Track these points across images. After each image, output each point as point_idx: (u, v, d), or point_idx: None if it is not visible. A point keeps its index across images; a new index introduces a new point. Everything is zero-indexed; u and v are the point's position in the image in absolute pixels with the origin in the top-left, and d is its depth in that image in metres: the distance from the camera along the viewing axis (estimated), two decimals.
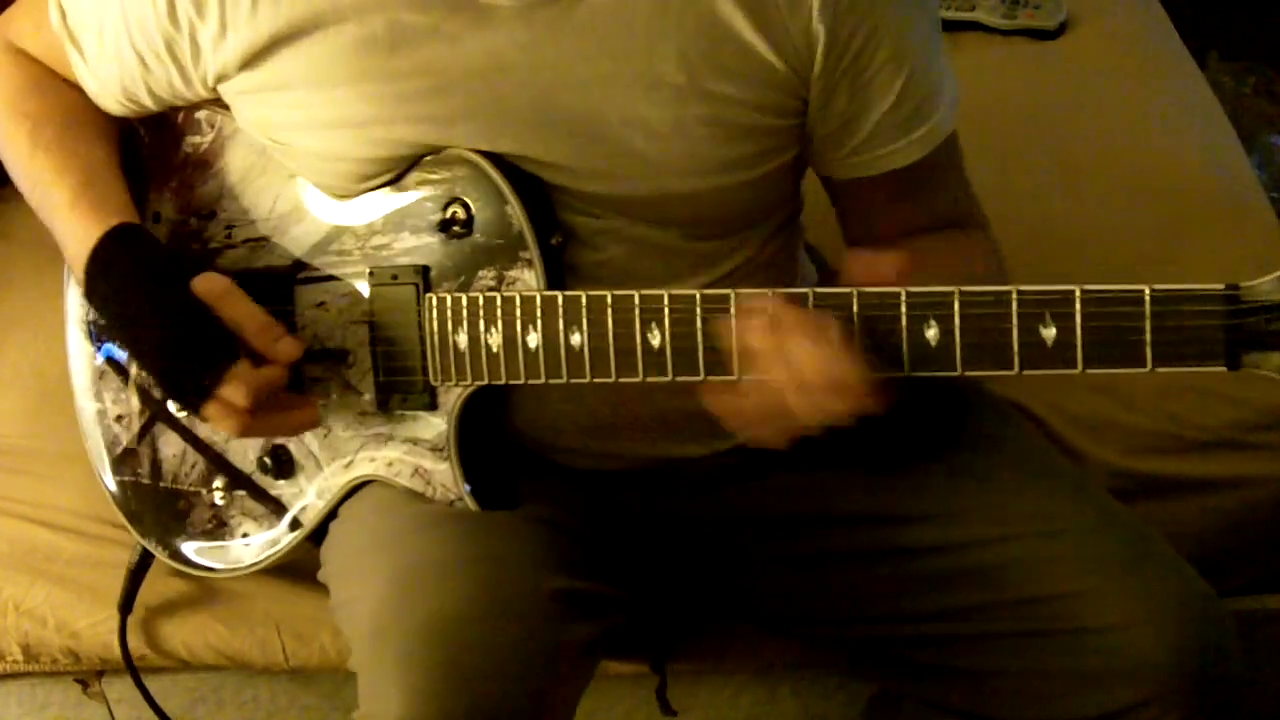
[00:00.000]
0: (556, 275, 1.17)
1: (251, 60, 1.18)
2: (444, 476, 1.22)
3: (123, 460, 1.40)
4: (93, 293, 1.24)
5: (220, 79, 1.22)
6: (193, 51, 1.21)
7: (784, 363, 1.03)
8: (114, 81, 1.28)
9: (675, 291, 1.08)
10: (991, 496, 1.27)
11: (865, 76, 1.15)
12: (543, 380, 1.15)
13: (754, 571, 1.35)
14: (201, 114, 1.31)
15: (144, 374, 1.34)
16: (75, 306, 1.42)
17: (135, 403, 1.37)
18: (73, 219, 1.26)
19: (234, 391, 1.18)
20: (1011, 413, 1.44)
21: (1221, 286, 0.93)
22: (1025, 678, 1.24)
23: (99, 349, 1.39)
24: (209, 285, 1.20)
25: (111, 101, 1.31)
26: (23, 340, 1.67)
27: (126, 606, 1.47)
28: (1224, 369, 0.93)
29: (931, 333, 1.01)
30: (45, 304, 1.52)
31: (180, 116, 1.32)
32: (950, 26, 2.02)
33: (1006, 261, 1.27)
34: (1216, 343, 0.93)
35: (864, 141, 1.19)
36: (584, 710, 1.25)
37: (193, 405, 1.20)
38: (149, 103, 1.29)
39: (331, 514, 1.30)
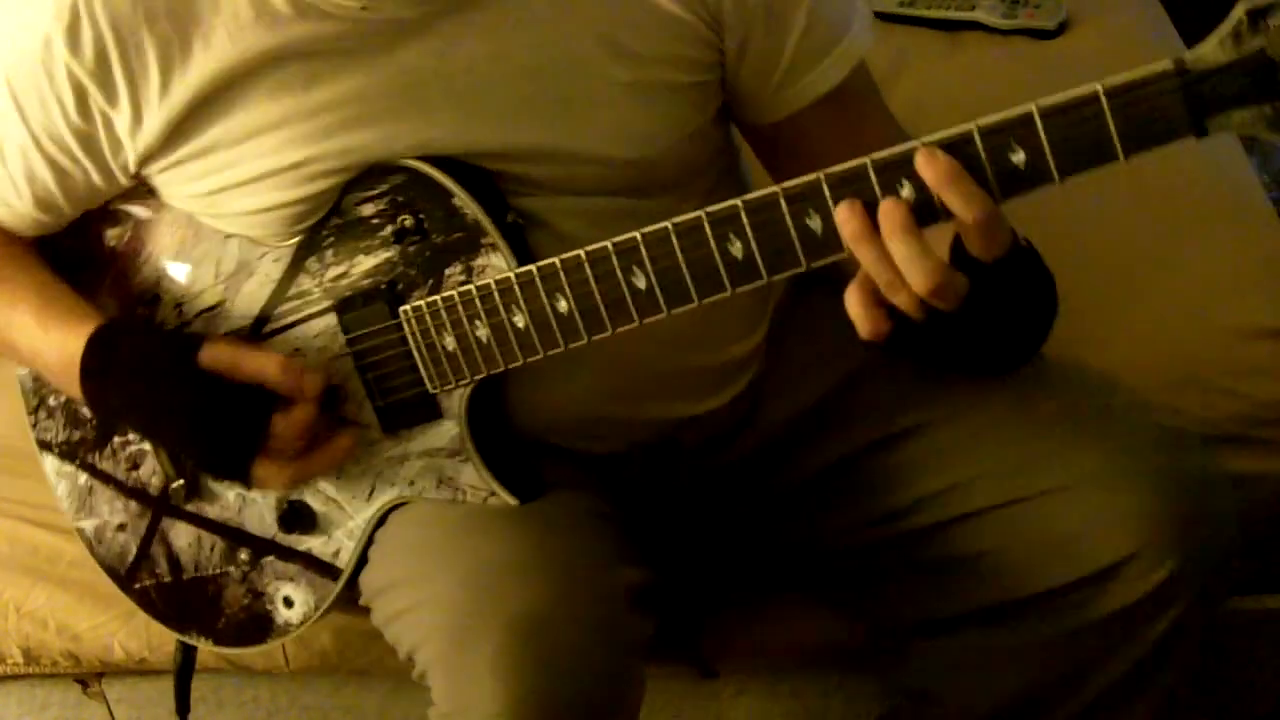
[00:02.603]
0: (523, 251, 1.17)
1: (173, 134, 1.17)
2: (470, 477, 1.22)
3: (138, 567, 1.38)
4: (98, 397, 1.22)
5: (144, 161, 1.20)
6: (110, 143, 1.19)
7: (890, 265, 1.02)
8: (27, 201, 1.25)
9: (646, 230, 1.09)
10: (964, 386, 1.28)
11: (776, 7, 1.17)
12: (540, 355, 1.15)
13: (769, 504, 1.37)
14: (115, 204, 1.29)
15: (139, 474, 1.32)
16: (42, 433, 1.39)
17: (134, 505, 1.36)
18: (44, 338, 1.24)
19: (279, 442, 1.18)
20: None
21: (1169, 63, 0.95)
22: (1011, 551, 1.24)
23: None
24: (215, 354, 1.19)
25: (28, 223, 1.28)
26: None
27: (182, 710, 1.45)
28: (1194, 138, 0.96)
29: (906, 193, 1.02)
30: None
31: (96, 212, 1.29)
32: (950, 26, 2.04)
33: None
34: (1180, 117, 0.95)
35: (787, 73, 1.20)
36: None
37: (241, 476, 1.19)
38: (67, 208, 1.27)
39: (366, 545, 1.29)
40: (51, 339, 1.25)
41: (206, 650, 1.47)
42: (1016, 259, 1.08)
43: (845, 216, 1.02)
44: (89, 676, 1.56)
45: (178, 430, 1.20)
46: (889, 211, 1.00)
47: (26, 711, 1.59)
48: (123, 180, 1.23)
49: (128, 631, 1.49)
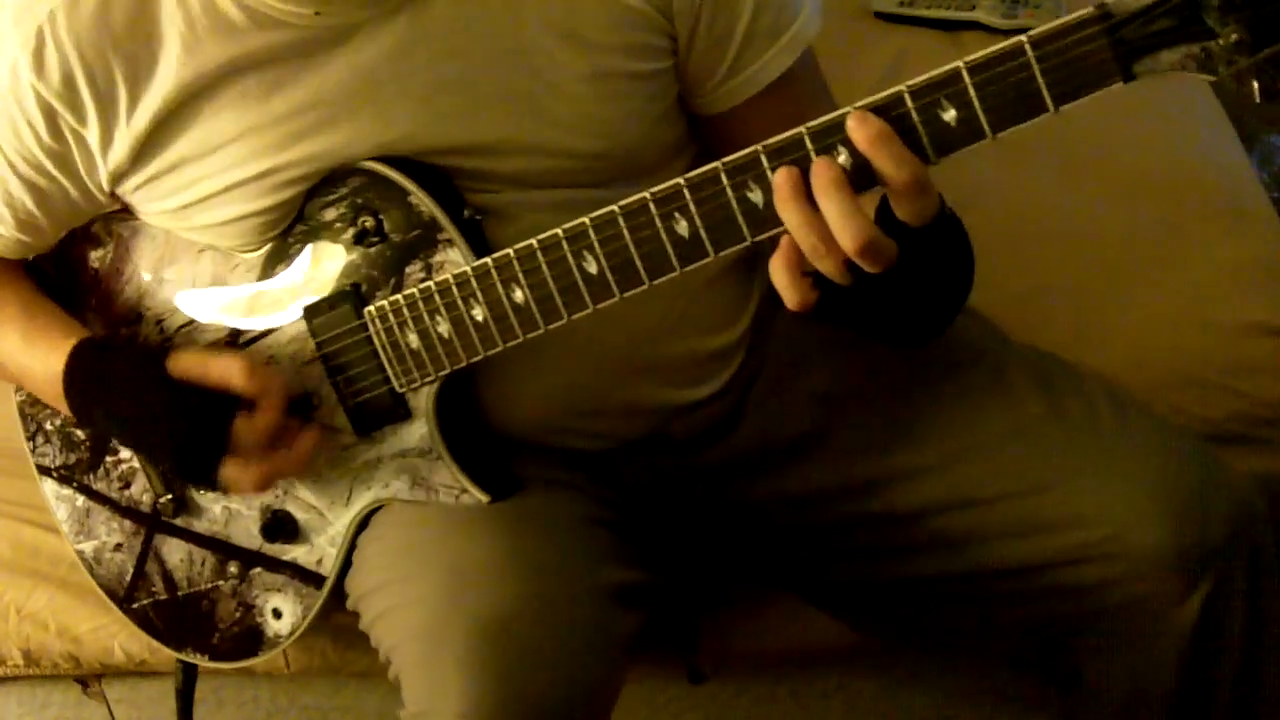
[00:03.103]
0: (480, 246, 1.17)
1: (141, 151, 1.19)
2: (442, 476, 1.22)
3: (135, 587, 1.40)
4: (82, 409, 1.25)
5: (116, 179, 1.22)
6: (85, 160, 1.21)
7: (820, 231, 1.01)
8: (9, 224, 1.28)
9: (594, 214, 1.09)
10: (955, 406, 1.27)
11: None
12: (500, 347, 1.16)
13: (763, 513, 1.36)
14: (96, 226, 1.32)
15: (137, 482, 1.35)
16: (40, 458, 1.42)
17: (129, 524, 1.38)
18: (31, 354, 1.28)
19: (243, 444, 1.19)
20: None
21: (1092, 9, 0.94)
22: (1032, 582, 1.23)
23: None
24: (183, 363, 1.21)
25: (11, 245, 1.31)
26: None
27: None
28: (1121, 84, 0.95)
29: (843, 159, 1.01)
30: None
31: (78, 234, 1.32)
32: (950, 26, 2.05)
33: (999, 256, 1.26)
34: (1106, 62, 0.94)
35: (736, 60, 1.20)
36: None
37: (208, 478, 1.21)
38: (49, 229, 1.29)
39: (349, 550, 1.29)
40: (37, 355, 1.27)
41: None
42: (942, 225, 1.07)
43: (781, 180, 1.01)
44: (89, 677, 1.58)
45: (151, 437, 1.22)
46: (821, 169, 1.00)
47: (26, 711, 1.61)
48: (100, 198, 1.25)
49: (128, 633, 1.50)
